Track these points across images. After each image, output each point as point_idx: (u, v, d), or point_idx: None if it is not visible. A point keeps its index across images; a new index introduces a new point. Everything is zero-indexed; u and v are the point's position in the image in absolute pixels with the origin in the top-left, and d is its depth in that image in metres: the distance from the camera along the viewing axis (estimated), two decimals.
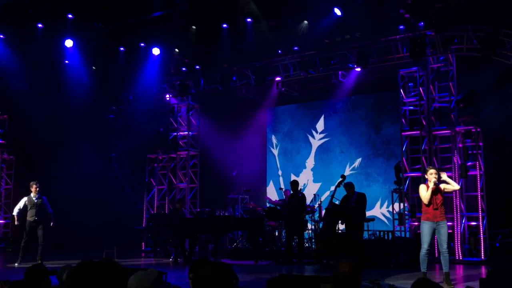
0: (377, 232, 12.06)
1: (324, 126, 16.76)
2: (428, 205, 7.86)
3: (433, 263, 9.93)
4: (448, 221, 9.02)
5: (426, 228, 7.88)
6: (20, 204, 11.17)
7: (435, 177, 7.83)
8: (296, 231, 11.75)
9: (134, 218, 16.35)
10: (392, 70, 13.84)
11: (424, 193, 7.90)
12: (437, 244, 7.96)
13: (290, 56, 14.16)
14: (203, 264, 2.60)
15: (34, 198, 11.12)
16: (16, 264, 10.69)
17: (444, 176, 8.06)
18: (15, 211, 11.19)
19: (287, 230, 12.31)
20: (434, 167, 8.20)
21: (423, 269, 7.89)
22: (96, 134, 16.71)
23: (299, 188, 12.26)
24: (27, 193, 11.36)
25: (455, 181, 11.82)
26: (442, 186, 7.99)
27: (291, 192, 12.17)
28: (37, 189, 11.17)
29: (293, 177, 16.70)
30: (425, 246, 7.88)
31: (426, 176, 8.11)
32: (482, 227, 11.67)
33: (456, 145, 12.11)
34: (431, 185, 7.86)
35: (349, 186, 11.05)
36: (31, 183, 11.25)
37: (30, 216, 11.11)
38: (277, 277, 5.36)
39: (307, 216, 13.09)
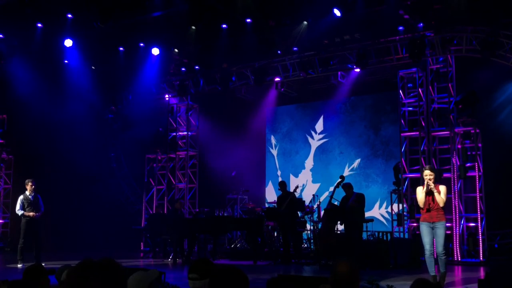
0: (376, 233, 12.06)
1: (323, 127, 16.75)
2: (423, 207, 7.76)
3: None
4: (447, 222, 9.01)
5: (424, 229, 7.76)
6: (19, 202, 11.11)
7: (429, 179, 7.64)
8: (290, 232, 11.82)
9: (133, 218, 16.35)
10: (391, 71, 13.86)
11: (419, 195, 7.79)
12: (435, 247, 7.82)
13: (290, 57, 14.17)
14: (225, 269, 2.54)
15: (30, 196, 11.07)
16: (19, 265, 10.64)
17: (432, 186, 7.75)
18: (20, 211, 10.97)
19: (281, 231, 12.38)
20: (429, 168, 8.04)
21: (431, 272, 7.64)
22: (95, 134, 16.70)
23: (297, 189, 12.36)
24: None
25: (454, 181, 11.94)
26: (442, 188, 7.79)
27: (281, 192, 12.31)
28: (33, 186, 11.09)
29: (292, 178, 16.74)
30: (427, 247, 7.71)
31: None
32: (480, 228, 11.68)
33: (455, 146, 12.12)
34: (425, 187, 7.73)
35: (347, 187, 11.04)
36: (27, 181, 11.18)
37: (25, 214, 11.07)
38: (276, 278, 5.35)
39: (306, 217, 13.11)
